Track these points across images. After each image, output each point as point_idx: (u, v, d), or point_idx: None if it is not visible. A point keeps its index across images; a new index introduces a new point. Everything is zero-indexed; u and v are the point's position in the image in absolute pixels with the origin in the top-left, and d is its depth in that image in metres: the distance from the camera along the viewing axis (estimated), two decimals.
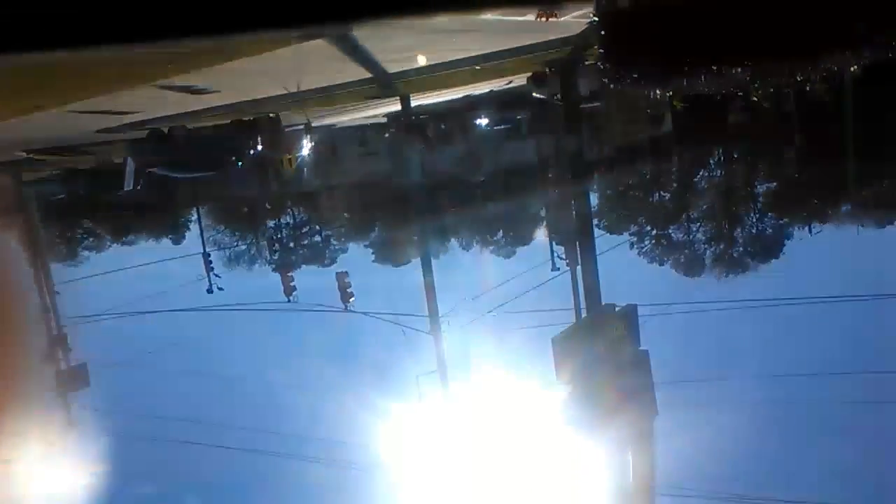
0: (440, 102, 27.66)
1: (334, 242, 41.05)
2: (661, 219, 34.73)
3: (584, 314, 16.95)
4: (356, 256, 38.34)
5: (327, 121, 28.03)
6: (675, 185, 37.68)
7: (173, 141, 18.94)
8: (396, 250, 34.41)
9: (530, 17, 10.64)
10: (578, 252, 19.14)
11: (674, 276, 31.03)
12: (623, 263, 30.07)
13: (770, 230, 32.06)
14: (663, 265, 32.18)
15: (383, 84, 17.88)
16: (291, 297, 28.18)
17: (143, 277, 32.09)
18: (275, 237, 41.98)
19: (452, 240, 36.52)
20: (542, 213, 36.38)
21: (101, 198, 34.28)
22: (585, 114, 25.23)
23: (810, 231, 29.61)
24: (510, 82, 24.99)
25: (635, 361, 15.03)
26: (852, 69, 7.97)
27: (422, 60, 13.82)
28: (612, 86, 8.95)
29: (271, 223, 42.96)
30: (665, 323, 20.29)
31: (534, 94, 23.55)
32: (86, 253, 42.68)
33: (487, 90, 25.99)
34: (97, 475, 13.66)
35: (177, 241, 42.63)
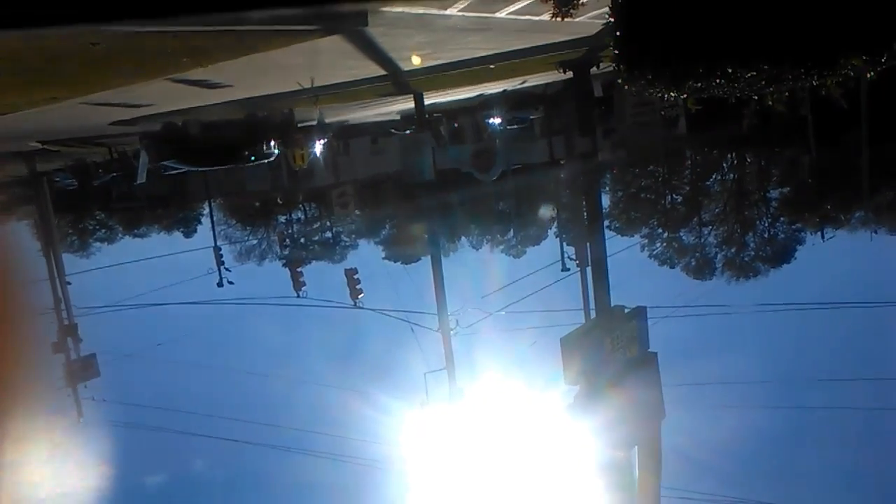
0: (453, 101, 27.64)
1: (344, 239, 41.11)
2: (672, 221, 34.63)
3: (593, 315, 16.90)
4: (366, 253, 38.43)
5: (340, 117, 28.04)
6: (687, 187, 37.57)
7: (187, 134, 18.99)
8: (406, 248, 34.41)
9: (545, 16, 10.62)
10: (589, 253, 19.08)
11: (684, 279, 30.96)
12: (634, 265, 30.03)
13: (782, 235, 31.92)
14: (674, 268, 32.10)
15: (397, 82, 17.87)
16: (301, 293, 28.25)
17: (153, 270, 32.25)
18: (285, 232, 42.07)
19: (463, 238, 36.54)
20: (554, 213, 36.35)
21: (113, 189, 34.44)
22: (598, 115, 25.17)
23: (823, 236, 29.46)
24: (524, 82, 24.94)
25: (644, 363, 14.98)
26: (869, 74, 7.91)
27: (416, 61, 13.83)
28: (626, 87, 8.91)
29: (282, 218, 43.07)
30: (674, 325, 20.25)
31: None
32: (98, 244, 42.93)
33: (501, 89, 25.96)
34: (105, 465, 13.74)
35: (188, 235, 42.80)
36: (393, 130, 31.25)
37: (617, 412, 13.84)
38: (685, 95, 8.33)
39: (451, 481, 16.98)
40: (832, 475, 20.57)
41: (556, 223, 34.57)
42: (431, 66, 15.01)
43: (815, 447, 20.93)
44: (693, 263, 31.91)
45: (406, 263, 34.97)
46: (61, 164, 31.45)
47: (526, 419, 16.24)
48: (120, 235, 43.83)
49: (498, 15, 10.97)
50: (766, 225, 32.73)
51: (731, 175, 36.84)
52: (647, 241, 33.63)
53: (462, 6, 10.14)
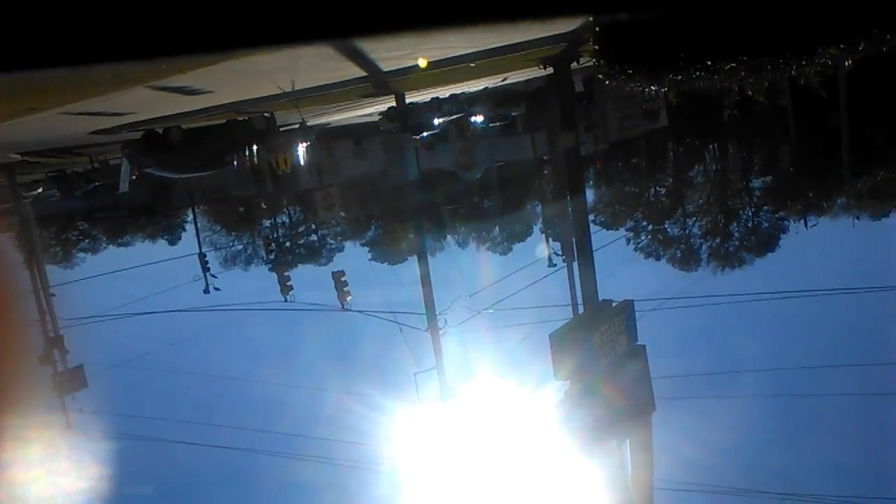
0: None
1: (330, 241, 41.05)
2: (656, 214, 34.78)
3: (581, 310, 16.94)
4: (352, 255, 38.40)
5: (322, 119, 27.96)
6: (670, 179, 37.74)
7: (168, 142, 18.89)
8: (393, 248, 34.41)
9: None
10: (575, 248, 19.12)
11: (670, 271, 31.11)
12: (620, 258, 30.14)
13: (766, 224, 32.13)
14: (659, 260, 32.25)
15: (378, 82, 17.84)
16: (288, 297, 28.18)
17: (139, 278, 32.09)
18: (271, 237, 41.96)
19: (449, 237, 36.58)
20: (538, 209, 36.41)
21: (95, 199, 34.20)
22: (580, 110, 25.22)
23: (806, 224, 29.68)
24: (505, 79, 24.95)
25: (632, 356, 15.04)
26: (847, 63, 7.96)
27: (422, 63, 13.78)
28: (606, 82, 8.94)
29: (267, 223, 42.95)
30: (662, 317, 20.34)
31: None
32: (81, 254, 42.66)
33: (482, 87, 25.96)
34: (95, 476, 13.65)
35: (172, 242, 42.63)
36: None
37: (607, 407, 13.89)
38: (665, 88, 8.36)
39: (442, 480, 16.99)
40: (823, 462, 20.72)
41: (541, 219, 34.66)
42: (412, 66, 14.99)
43: (803, 434, 21.07)
44: (678, 255, 32.08)
45: (393, 264, 34.97)
46: (42, 176, 31.22)
47: (516, 416, 16.26)
48: (104, 245, 43.61)
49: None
50: (750, 214, 32.94)
51: (714, 166, 37.05)
52: (632, 234, 33.79)
53: None
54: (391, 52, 12.50)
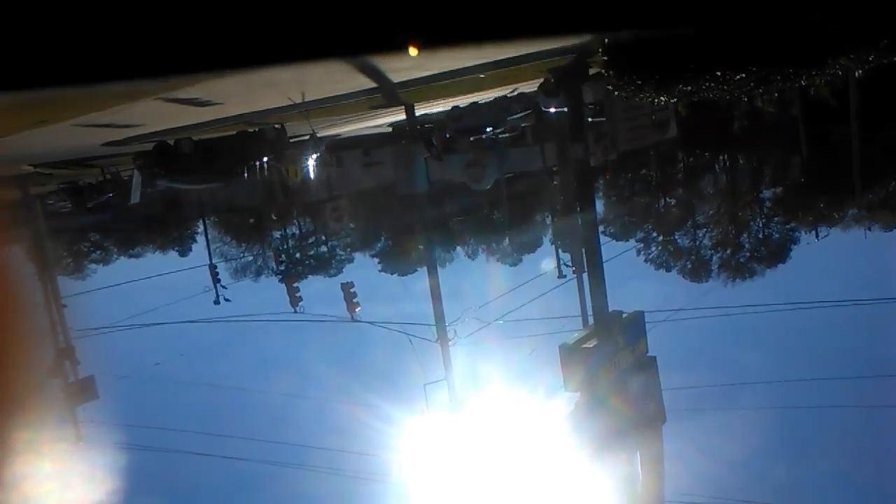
0: (445, 111, 27.68)
1: (340, 252, 41.07)
2: (666, 225, 34.67)
3: (591, 321, 16.90)
4: (362, 266, 38.39)
5: (332, 131, 28.06)
6: (680, 190, 37.64)
7: (179, 153, 19.00)
8: (402, 259, 34.39)
9: None
10: (585, 259, 19.09)
11: (680, 282, 30.98)
12: (630, 270, 30.05)
13: (777, 235, 31.97)
14: (670, 271, 32.12)
15: (388, 93, 17.91)
16: (298, 308, 28.21)
17: (150, 290, 32.16)
18: (281, 248, 42.02)
19: (458, 248, 36.53)
20: (548, 220, 36.36)
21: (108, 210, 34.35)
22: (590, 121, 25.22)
23: (817, 235, 29.53)
24: (515, 90, 25.00)
25: (643, 367, 14.98)
26: (857, 73, 7.95)
27: (412, 52, 13.81)
28: (616, 93, 8.94)
29: (277, 234, 43.02)
30: (672, 329, 20.25)
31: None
32: (93, 266, 42.81)
33: (491, 98, 26.01)
34: (106, 488, 13.66)
35: (183, 253, 42.74)
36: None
37: (617, 418, 13.83)
38: (675, 99, 8.35)
39: (452, 492, 16.92)
40: (834, 475, 20.55)
41: (550, 230, 34.61)
42: (422, 77, 15.05)
43: (816, 447, 20.91)
44: (689, 266, 31.95)
45: (402, 275, 34.95)
46: (54, 187, 31.40)
47: (526, 428, 16.21)
48: (115, 256, 43.75)
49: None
50: (760, 225, 32.80)
51: (724, 177, 36.94)
52: (642, 245, 33.68)
53: None
54: (401, 64, 12.55)
